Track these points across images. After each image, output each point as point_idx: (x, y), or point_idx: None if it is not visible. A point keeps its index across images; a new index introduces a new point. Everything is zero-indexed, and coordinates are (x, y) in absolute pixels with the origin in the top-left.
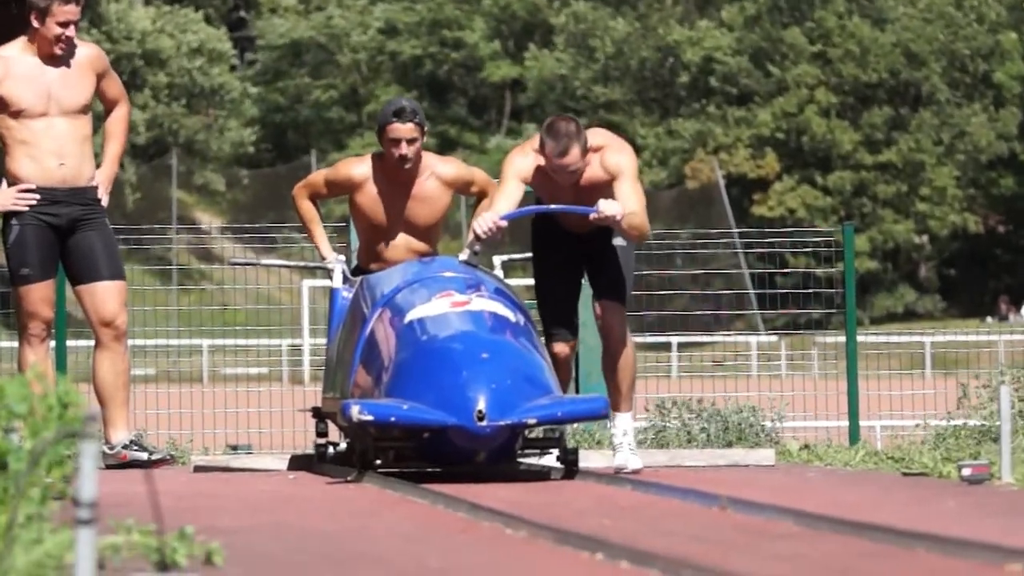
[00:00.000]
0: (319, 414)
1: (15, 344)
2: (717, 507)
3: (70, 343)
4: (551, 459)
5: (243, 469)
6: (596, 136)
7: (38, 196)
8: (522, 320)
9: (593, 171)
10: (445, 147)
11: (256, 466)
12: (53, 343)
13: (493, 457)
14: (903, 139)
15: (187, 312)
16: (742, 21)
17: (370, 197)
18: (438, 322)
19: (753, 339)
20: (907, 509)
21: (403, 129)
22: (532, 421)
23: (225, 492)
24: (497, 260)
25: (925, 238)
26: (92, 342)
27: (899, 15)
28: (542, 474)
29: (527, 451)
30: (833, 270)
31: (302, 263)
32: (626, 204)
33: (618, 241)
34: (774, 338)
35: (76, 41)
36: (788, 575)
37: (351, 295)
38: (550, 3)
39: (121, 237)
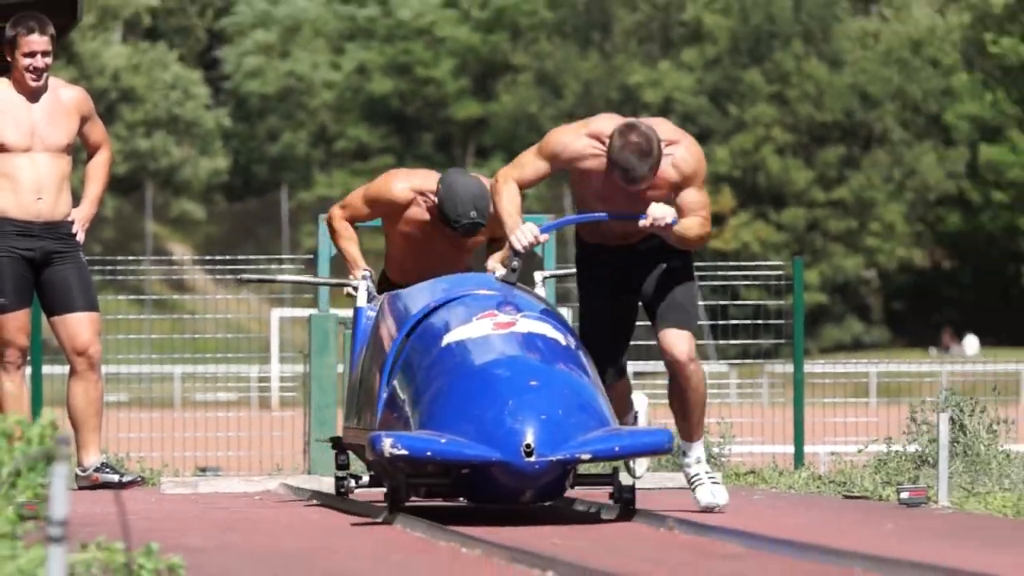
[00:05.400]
0: (339, 444)
1: None
2: (665, 528)
3: (45, 370)
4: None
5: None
6: (664, 129)
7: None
8: (573, 343)
9: (661, 169)
10: None
11: (228, 488)
12: (29, 370)
13: (541, 496)
14: (855, 177)
15: (160, 340)
16: (702, 62)
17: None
18: (480, 345)
19: (705, 367)
20: (848, 530)
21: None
22: (586, 456)
23: (195, 513)
24: (539, 276)
25: (873, 272)
26: (67, 369)
27: (855, 57)
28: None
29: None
30: (783, 302)
31: (322, 280)
32: (692, 210)
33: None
34: (725, 367)
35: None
36: None
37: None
38: (514, 44)
39: (96, 268)
